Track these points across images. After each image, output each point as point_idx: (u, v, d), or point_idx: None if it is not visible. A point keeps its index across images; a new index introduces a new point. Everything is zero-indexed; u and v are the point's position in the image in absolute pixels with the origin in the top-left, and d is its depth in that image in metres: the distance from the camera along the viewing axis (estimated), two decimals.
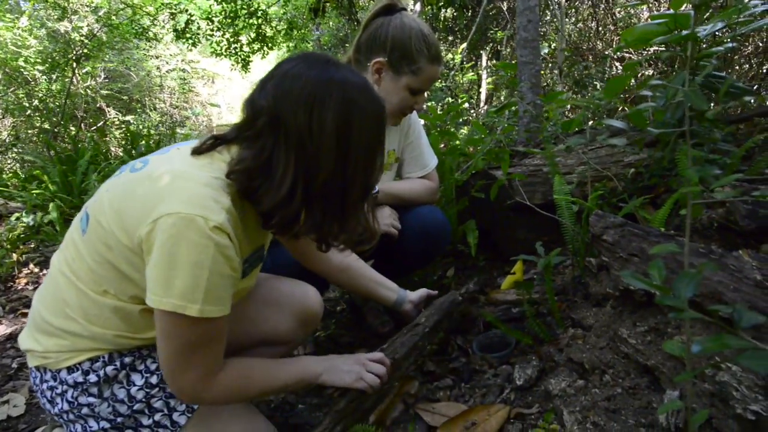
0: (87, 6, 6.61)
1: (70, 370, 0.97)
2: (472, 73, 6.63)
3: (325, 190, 0.86)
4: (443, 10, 7.31)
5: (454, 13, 7.34)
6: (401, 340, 1.28)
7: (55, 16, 6.71)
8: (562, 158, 2.36)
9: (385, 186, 1.61)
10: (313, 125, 0.82)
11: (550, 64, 5.92)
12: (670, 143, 1.55)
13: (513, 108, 2.81)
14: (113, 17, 6.85)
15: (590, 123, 2.95)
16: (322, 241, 0.95)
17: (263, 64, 9.93)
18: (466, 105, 6.02)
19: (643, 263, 1.13)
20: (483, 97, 6.93)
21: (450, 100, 5.81)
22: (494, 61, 8.43)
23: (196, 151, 0.91)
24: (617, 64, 7.01)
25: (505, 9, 7.40)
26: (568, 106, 4.61)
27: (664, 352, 1.07)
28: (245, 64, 9.15)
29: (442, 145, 2.05)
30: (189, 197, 0.81)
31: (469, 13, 7.19)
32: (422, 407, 1.25)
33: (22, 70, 7.34)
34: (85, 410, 0.97)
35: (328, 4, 8.33)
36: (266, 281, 1.29)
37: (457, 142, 2.10)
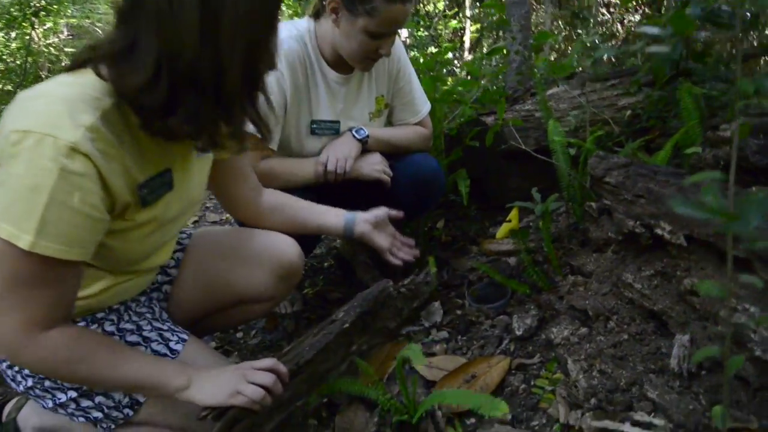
0: None
1: None
2: (456, 21, 6.39)
3: (194, 73, 0.74)
4: None
5: None
6: (310, 341, 1.06)
7: None
8: (554, 103, 2.28)
9: (375, 131, 1.51)
10: None
11: (539, 5, 5.70)
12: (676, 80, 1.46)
13: (503, 52, 2.67)
14: None
15: (579, 69, 2.84)
16: (201, 133, 0.80)
17: None
18: (450, 54, 5.82)
19: (650, 204, 1.07)
20: (467, 46, 6.71)
21: (433, 49, 5.61)
22: (479, 6, 8.16)
23: (67, 68, 0.79)
24: (603, 10, 6.82)
25: None
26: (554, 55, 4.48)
27: (671, 296, 1.03)
28: None
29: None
30: (39, 114, 0.71)
31: None
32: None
33: None
34: (48, 383, 0.90)
35: None
36: (238, 235, 1.19)
37: (446, 87, 1.99)
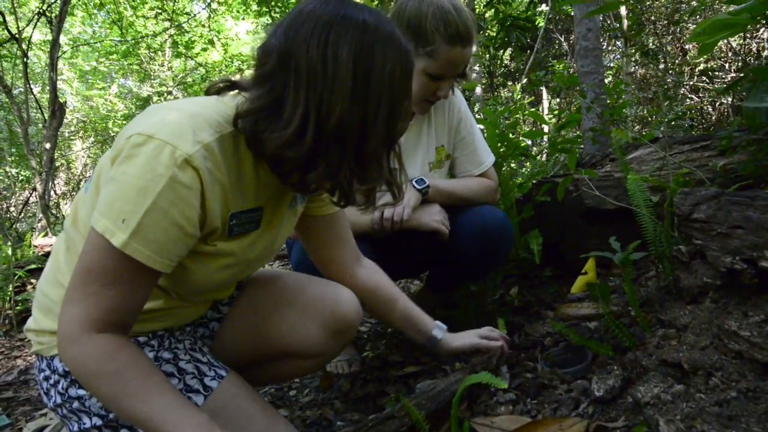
0: (164, 69, 7.23)
1: None
2: (535, 109, 6.48)
3: (340, 132, 0.75)
4: (501, 52, 7.30)
5: (512, 54, 7.32)
6: None
7: (137, 80, 7.36)
8: (636, 165, 2.15)
9: (436, 182, 1.48)
10: (327, 59, 0.73)
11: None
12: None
13: (578, 122, 2.63)
14: (188, 78, 7.43)
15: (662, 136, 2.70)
16: (336, 188, 0.82)
17: None
18: (529, 142, 5.83)
19: (750, 234, 0.91)
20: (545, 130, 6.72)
21: (511, 135, 5.65)
22: (557, 100, 8.23)
23: (206, 92, 0.84)
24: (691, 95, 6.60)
25: (566, 46, 7.30)
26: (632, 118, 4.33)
27: None
28: None
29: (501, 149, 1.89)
30: (164, 123, 0.74)
31: (528, 53, 7.13)
32: (478, 421, 1.04)
33: (109, 131, 8.07)
34: (75, 404, 0.86)
35: None
36: (294, 281, 1.13)
37: (513, 136, 1.94)
